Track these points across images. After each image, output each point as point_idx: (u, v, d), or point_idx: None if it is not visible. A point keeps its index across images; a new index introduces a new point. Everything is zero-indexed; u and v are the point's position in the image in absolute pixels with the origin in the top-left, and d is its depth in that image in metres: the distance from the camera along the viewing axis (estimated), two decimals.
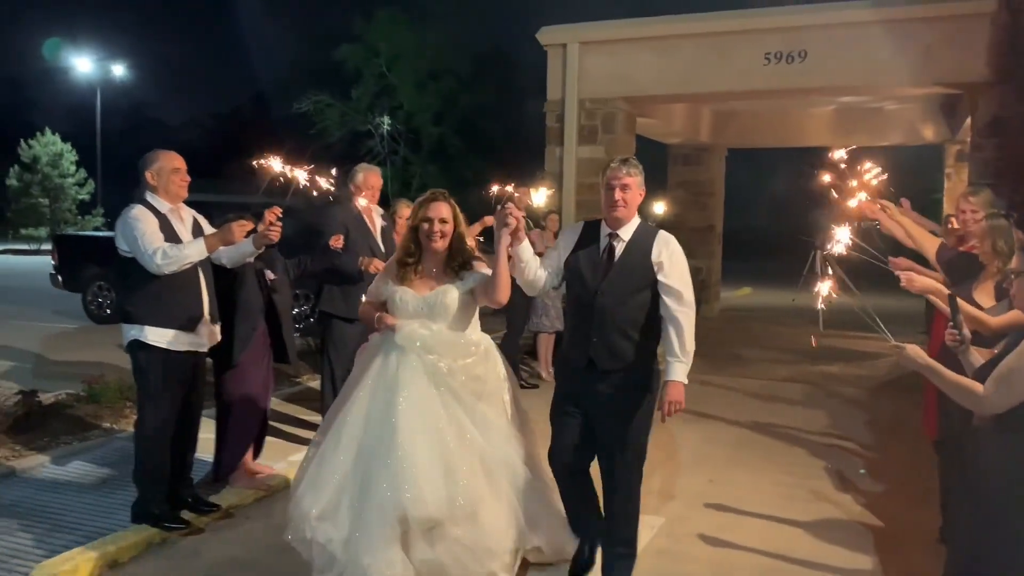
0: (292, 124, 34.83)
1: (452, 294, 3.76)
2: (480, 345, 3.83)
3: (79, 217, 34.76)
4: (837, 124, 14.00)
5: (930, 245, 4.71)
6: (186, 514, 4.63)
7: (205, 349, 4.66)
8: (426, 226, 3.80)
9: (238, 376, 5.10)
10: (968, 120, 10.02)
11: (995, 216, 4.04)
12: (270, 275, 5.24)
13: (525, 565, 3.86)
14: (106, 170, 36.23)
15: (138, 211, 4.41)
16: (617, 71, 9.92)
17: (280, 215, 4.49)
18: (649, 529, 4.74)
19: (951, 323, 3.01)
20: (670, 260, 3.67)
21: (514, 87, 29.19)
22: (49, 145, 34.23)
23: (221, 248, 4.57)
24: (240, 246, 4.59)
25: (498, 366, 3.86)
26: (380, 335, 3.84)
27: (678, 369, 3.61)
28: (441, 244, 3.81)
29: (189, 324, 4.48)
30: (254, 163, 4.42)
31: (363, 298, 4.12)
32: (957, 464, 3.44)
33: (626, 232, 3.73)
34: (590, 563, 3.95)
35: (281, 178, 4.51)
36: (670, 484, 5.61)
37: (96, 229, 31.82)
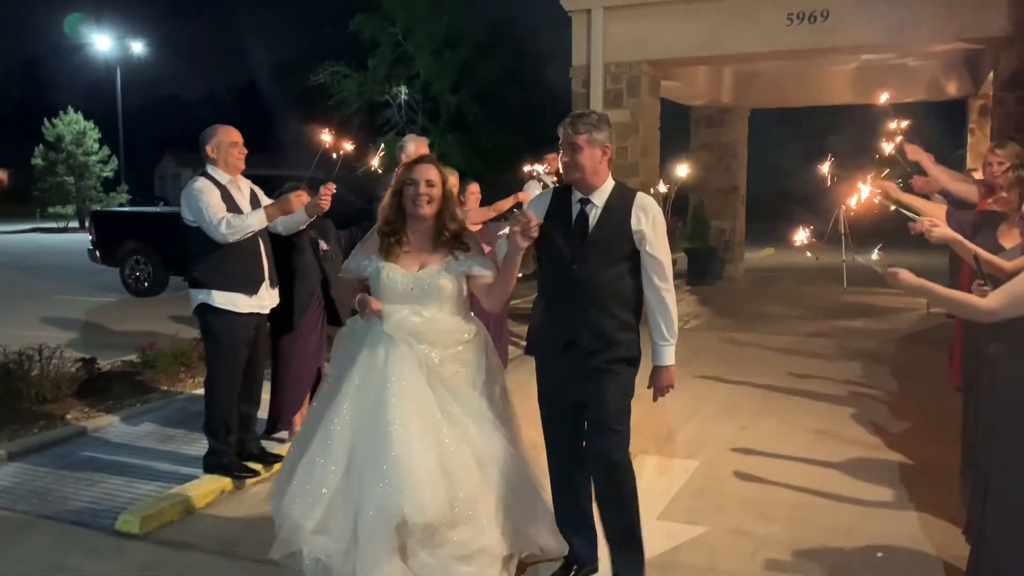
0: (310, 96, 34.97)
1: (446, 276, 3.44)
2: (471, 332, 3.52)
3: (103, 194, 35.20)
4: (860, 81, 14.02)
5: (937, 212, 4.95)
6: (253, 465, 4.96)
7: (267, 311, 4.96)
8: (411, 189, 3.44)
9: (294, 339, 5.42)
10: (991, 74, 10.08)
11: (1021, 168, 4.22)
12: (323, 245, 5.51)
13: (522, 567, 3.60)
14: (125, 146, 36.72)
15: (201, 183, 4.70)
16: (641, 35, 10.04)
17: (333, 190, 4.75)
18: (684, 471, 5.06)
19: (979, 279, 3.24)
20: (652, 228, 3.35)
21: (532, 53, 29.17)
22: (72, 124, 34.61)
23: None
24: (294, 215, 4.87)
25: (489, 354, 3.55)
26: (364, 320, 3.44)
27: (668, 353, 3.44)
28: (428, 210, 3.44)
29: (251, 288, 4.78)
30: (322, 137, 4.69)
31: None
32: (975, 394, 3.67)
33: (599, 196, 3.39)
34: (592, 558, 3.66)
35: (332, 152, 4.80)
36: (703, 431, 5.89)
37: (120, 205, 32.30)
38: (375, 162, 5.01)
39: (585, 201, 3.40)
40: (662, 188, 10.25)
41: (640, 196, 3.40)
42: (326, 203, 4.77)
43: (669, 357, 3.45)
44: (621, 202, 3.37)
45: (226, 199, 4.71)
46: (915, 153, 5.19)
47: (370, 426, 3.23)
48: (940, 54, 12.08)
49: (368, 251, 3.53)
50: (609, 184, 3.41)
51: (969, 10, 8.77)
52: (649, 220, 3.33)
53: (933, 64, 13.23)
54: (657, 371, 3.49)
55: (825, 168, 5.08)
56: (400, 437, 3.16)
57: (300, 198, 4.72)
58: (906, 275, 3.11)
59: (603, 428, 3.41)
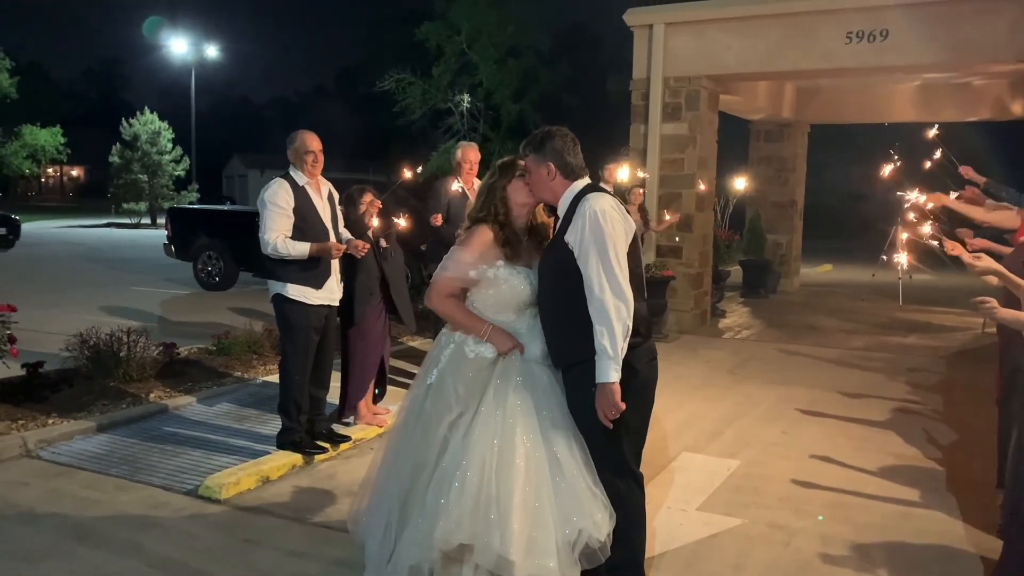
0: (374, 102, 35.77)
1: None
2: None
3: (175, 193, 36.41)
4: (923, 100, 13.97)
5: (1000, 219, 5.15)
6: (321, 443, 5.37)
7: (336, 303, 5.38)
8: (519, 182, 3.32)
9: (360, 331, 5.81)
10: None
11: None
12: (383, 243, 5.88)
13: None
14: (196, 146, 38.02)
15: (274, 190, 5.10)
16: (701, 50, 10.24)
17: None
18: (726, 469, 5.31)
19: None
20: (580, 242, 3.07)
21: (595, 63, 29.45)
22: (148, 124, 35.86)
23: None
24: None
25: None
26: (504, 357, 3.24)
27: (604, 368, 3.02)
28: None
29: (318, 282, 5.21)
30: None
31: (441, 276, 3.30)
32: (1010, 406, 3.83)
33: (561, 208, 3.24)
34: None
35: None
36: (746, 434, 6.11)
37: (190, 203, 33.38)
38: (409, 175, 5.61)
39: (556, 215, 3.33)
40: (701, 186, 10.44)
41: (583, 202, 3.13)
42: (361, 255, 5.40)
43: (605, 373, 3.02)
44: (570, 211, 3.17)
45: (301, 200, 5.12)
46: (937, 199, 5.35)
47: (539, 453, 3.08)
48: (1005, 74, 12.01)
49: (482, 255, 3.24)
50: (570, 193, 3.22)
51: None
52: (577, 229, 3.08)
53: (998, 84, 13.13)
54: (596, 388, 3.08)
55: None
56: (566, 460, 3.09)
57: (340, 251, 5.21)
58: (993, 303, 3.26)
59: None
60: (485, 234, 3.26)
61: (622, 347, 3.03)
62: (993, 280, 3.51)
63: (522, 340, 3.25)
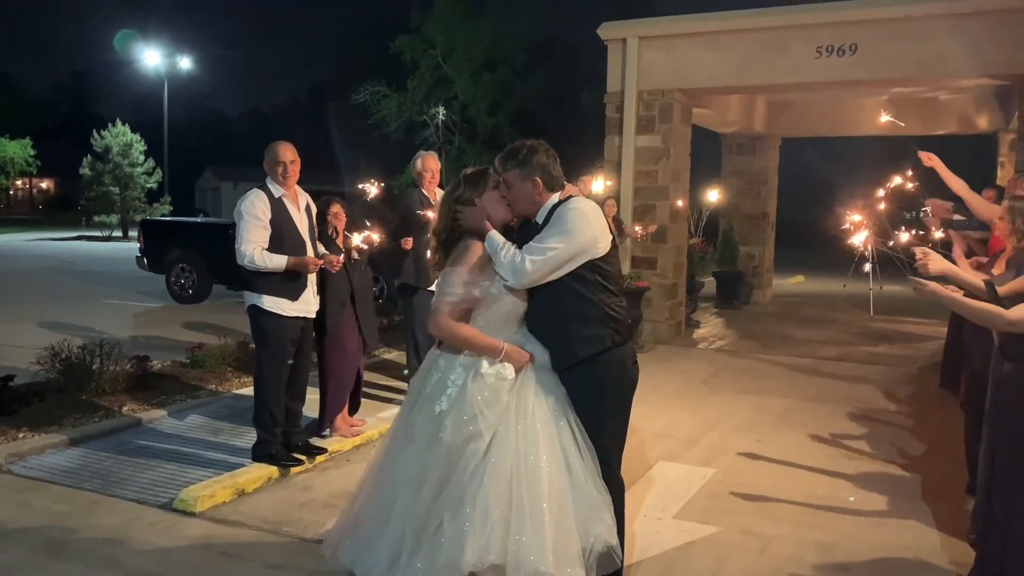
0: (349, 115, 35.72)
1: None
2: None
3: (147, 205, 36.04)
4: (891, 113, 14.19)
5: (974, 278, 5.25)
6: (297, 455, 5.34)
7: (312, 315, 5.36)
8: (493, 193, 3.29)
9: (336, 342, 5.79)
10: None
11: (1019, 199, 4.47)
12: (355, 255, 5.85)
13: None
14: (169, 159, 37.70)
15: (251, 200, 5.10)
16: (674, 64, 10.37)
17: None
18: (701, 477, 5.35)
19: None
20: (549, 225, 3.18)
21: (570, 76, 29.63)
22: (120, 136, 35.52)
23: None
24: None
25: None
26: (518, 370, 3.16)
27: (495, 240, 3.18)
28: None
29: (294, 294, 5.19)
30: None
31: (443, 305, 3.15)
32: (981, 409, 3.90)
33: (542, 215, 3.29)
34: None
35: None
36: (721, 442, 6.16)
37: (162, 216, 33.07)
38: (373, 191, 5.75)
39: (535, 225, 3.31)
40: (679, 202, 10.54)
41: (566, 204, 3.20)
42: (335, 270, 5.38)
43: (492, 243, 3.18)
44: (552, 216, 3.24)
45: (278, 211, 5.12)
46: (930, 159, 5.38)
47: (558, 460, 3.08)
48: (971, 88, 12.25)
49: (483, 271, 3.18)
50: (548, 204, 3.27)
51: (995, 48, 8.97)
52: (551, 221, 3.18)
53: (964, 98, 13.39)
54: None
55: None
56: (575, 464, 3.10)
57: (317, 265, 5.20)
58: (935, 287, 3.25)
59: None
60: (478, 248, 3.18)
61: (501, 259, 3.13)
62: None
63: (528, 349, 3.21)
